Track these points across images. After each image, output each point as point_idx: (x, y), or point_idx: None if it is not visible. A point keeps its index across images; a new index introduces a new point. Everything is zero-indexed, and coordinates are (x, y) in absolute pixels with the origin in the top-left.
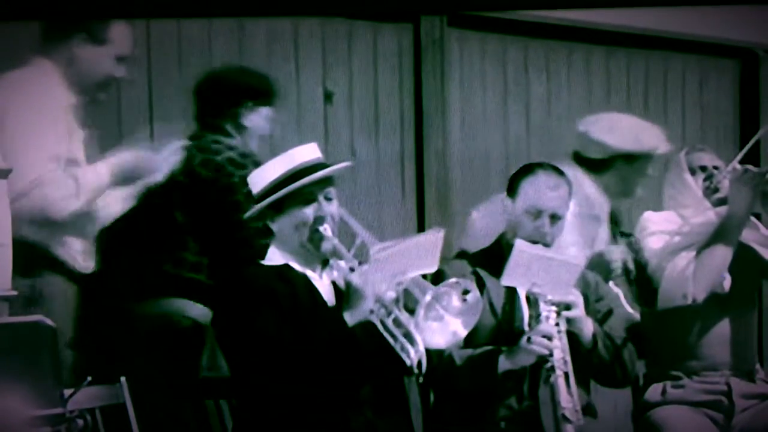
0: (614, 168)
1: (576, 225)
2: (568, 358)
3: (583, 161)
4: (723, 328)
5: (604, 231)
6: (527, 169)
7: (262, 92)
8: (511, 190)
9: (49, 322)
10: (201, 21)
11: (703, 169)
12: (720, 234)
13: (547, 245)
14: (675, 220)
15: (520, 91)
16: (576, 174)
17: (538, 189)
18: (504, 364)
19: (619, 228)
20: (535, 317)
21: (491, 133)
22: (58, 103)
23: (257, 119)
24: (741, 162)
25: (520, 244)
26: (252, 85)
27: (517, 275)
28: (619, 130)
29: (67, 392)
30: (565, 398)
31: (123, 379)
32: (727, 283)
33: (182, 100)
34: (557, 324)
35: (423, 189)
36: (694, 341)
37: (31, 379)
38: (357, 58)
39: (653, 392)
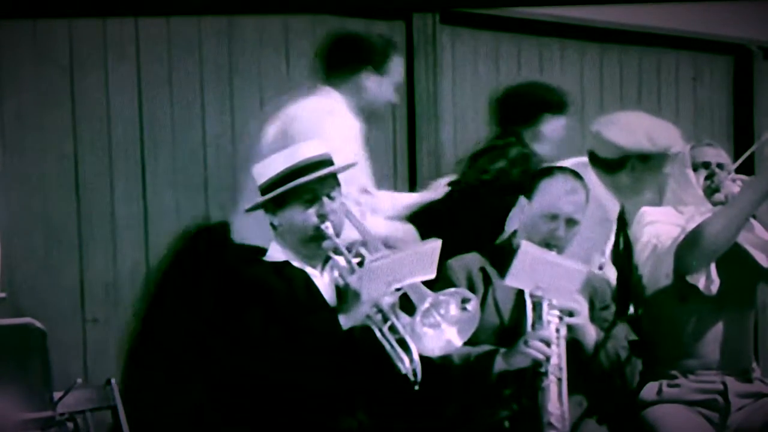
0: (628, 168)
1: (588, 228)
2: (564, 365)
3: (597, 161)
4: (719, 327)
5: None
6: (546, 172)
7: (558, 104)
8: (529, 190)
9: (38, 324)
10: (190, 19)
11: (706, 165)
12: (738, 200)
13: (560, 250)
14: (672, 214)
15: None
16: (589, 175)
17: (555, 192)
18: (500, 364)
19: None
20: (538, 320)
21: (484, 130)
22: (351, 130)
23: (554, 128)
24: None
25: (525, 246)
26: (550, 99)
27: (521, 276)
28: (633, 130)
29: (57, 395)
30: (554, 405)
31: (113, 381)
32: (714, 286)
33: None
34: (557, 330)
35: (415, 186)
36: (691, 341)
37: (20, 382)
38: None
39: (649, 391)
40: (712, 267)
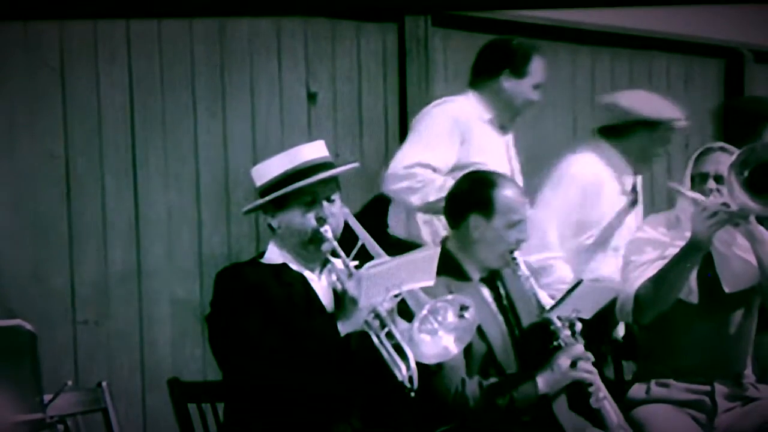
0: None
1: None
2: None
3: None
4: (710, 332)
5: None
6: (489, 183)
7: None
8: (484, 206)
9: (28, 326)
10: (182, 21)
11: (703, 177)
12: (676, 261)
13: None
14: (661, 232)
15: None
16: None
17: (514, 199)
18: (543, 388)
19: None
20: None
21: None
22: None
23: None
24: None
25: (588, 283)
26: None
27: (568, 307)
28: (615, 93)
29: (47, 398)
30: (613, 416)
31: (104, 383)
32: (694, 296)
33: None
34: (575, 338)
35: None
36: (680, 344)
37: (9, 385)
38: (340, 58)
39: (637, 390)
40: (692, 277)
